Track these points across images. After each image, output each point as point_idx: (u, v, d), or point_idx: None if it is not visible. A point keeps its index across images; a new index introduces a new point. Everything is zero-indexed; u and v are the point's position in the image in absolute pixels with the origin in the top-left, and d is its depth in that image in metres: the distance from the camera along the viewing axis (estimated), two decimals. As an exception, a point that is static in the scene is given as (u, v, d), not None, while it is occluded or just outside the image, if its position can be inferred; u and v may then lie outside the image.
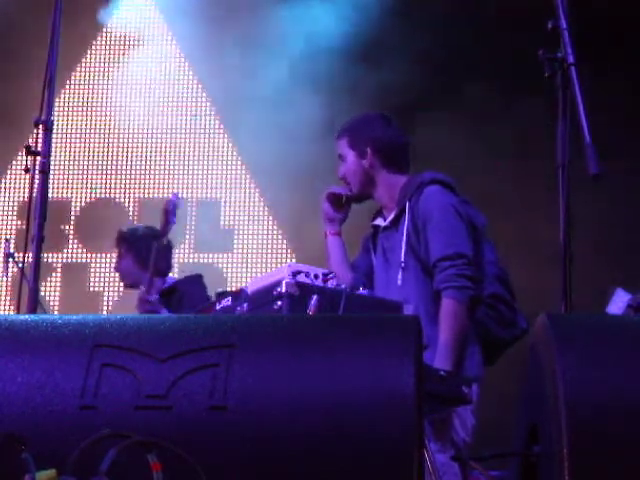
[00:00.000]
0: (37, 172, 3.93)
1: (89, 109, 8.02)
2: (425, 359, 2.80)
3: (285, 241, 7.73)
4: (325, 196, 4.28)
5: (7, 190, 7.94)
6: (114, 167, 7.92)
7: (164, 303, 5.45)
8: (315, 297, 3.39)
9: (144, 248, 5.61)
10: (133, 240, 5.78)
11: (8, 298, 7.67)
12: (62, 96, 7.95)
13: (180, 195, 7.76)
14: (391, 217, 4.14)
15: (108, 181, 7.92)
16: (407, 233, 4.02)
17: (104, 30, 8.09)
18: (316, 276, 3.49)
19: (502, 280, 4.11)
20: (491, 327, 4.04)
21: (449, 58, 7.30)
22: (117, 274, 6.10)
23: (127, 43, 8.07)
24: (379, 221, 4.23)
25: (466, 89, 7.17)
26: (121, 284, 7.21)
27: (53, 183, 7.43)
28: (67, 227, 7.86)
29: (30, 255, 3.85)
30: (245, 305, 3.56)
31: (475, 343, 3.96)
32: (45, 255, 7.18)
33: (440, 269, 3.90)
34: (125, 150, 7.93)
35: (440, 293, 3.89)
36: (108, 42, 8.10)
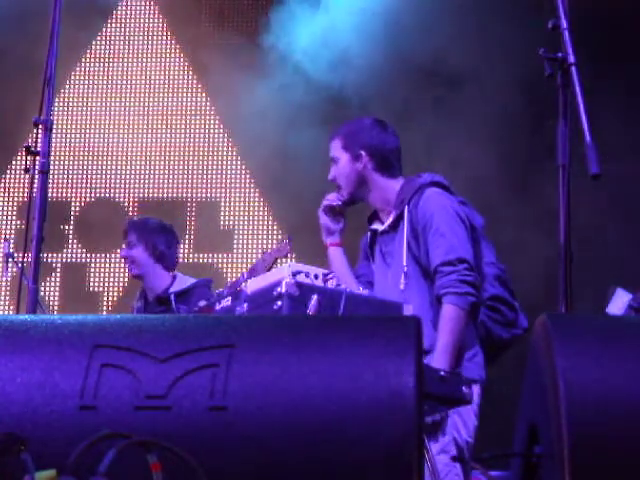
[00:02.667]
0: (37, 172, 3.93)
1: (89, 109, 8.01)
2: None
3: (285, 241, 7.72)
4: (322, 209, 4.24)
5: (7, 190, 7.94)
6: (114, 167, 7.92)
7: (181, 302, 5.43)
8: (315, 297, 3.39)
9: (156, 240, 5.62)
10: (144, 230, 5.70)
11: (8, 298, 7.67)
12: (62, 96, 7.95)
13: (180, 195, 7.79)
14: (389, 221, 4.09)
15: (108, 181, 7.92)
16: (407, 238, 3.99)
17: (104, 29, 8.09)
18: (316, 276, 3.49)
19: (502, 280, 4.08)
20: (492, 328, 4.02)
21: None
22: (124, 263, 5.97)
23: (127, 42, 8.06)
24: (377, 225, 4.18)
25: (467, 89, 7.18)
26: (120, 284, 7.24)
27: (53, 183, 7.43)
28: (67, 227, 7.86)
29: (30, 255, 3.85)
30: (245, 305, 3.56)
31: (477, 345, 3.94)
32: (45, 255, 7.18)
33: (441, 274, 3.87)
34: (125, 150, 7.93)
35: (441, 298, 3.86)
36: (108, 42, 8.09)
